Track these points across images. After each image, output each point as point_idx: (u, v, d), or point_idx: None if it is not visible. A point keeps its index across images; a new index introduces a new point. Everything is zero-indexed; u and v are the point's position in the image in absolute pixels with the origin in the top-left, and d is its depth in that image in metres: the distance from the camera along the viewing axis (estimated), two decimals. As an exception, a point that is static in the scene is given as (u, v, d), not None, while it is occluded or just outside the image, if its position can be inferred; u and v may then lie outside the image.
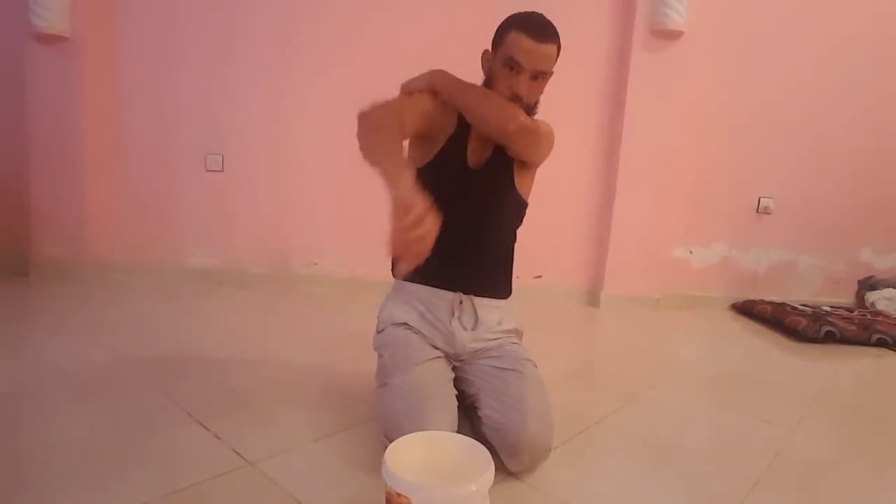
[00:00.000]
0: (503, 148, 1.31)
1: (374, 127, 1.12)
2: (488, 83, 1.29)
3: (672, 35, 2.62)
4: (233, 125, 2.72)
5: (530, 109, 1.28)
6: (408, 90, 1.34)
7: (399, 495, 0.83)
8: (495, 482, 0.89)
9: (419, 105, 1.28)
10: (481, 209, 1.32)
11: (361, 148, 1.09)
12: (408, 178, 0.97)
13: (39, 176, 2.60)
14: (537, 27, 1.21)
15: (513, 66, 1.21)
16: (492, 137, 1.29)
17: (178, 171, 2.74)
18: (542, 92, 1.29)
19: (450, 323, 1.32)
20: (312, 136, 2.73)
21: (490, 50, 1.29)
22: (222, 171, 2.74)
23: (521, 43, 1.19)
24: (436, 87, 1.30)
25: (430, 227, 0.91)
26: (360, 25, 2.66)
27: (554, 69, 1.26)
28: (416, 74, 1.38)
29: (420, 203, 0.91)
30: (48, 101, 2.55)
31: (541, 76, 1.24)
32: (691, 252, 2.99)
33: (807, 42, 2.86)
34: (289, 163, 2.75)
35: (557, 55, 1.25)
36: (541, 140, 1.31)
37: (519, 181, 1.37)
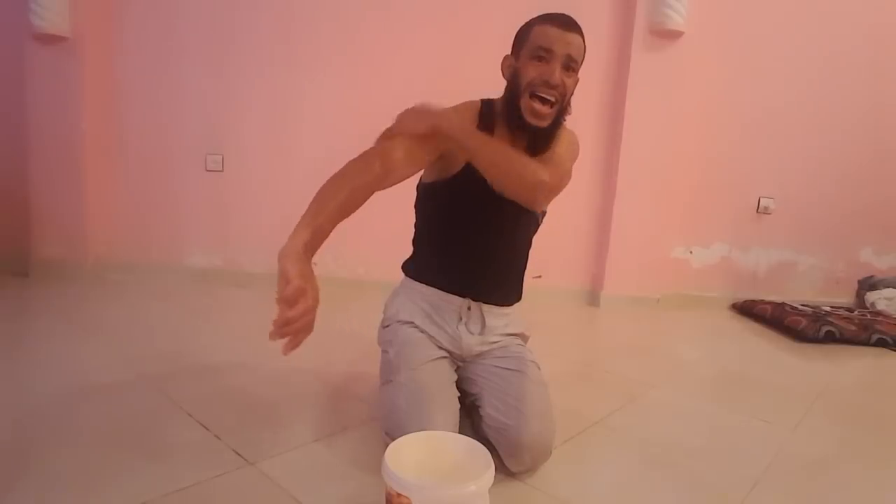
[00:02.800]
0: None
1: (338, 175, 1.11)
2: (512, 84, 1.22)
3: (672, 35, 2.62)
4: (233, 125, 2.72)
5: (563, 108, 1.21)
6: (400, 132, 1.19)
7: (399, 495, 0.83)
8: (495, 482, 0.89)
9: (433, 132, 1.18)
10: (500, 231, 1.30)
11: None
12: (299, 251, 0.98)
13: (39, 176, 2.60)
14: (564, 18, 1.18)
15: (542, 55, 1.16)
16: (509, 194, 1.20)
17: (178, 171, 2.74)
18: (573, 90, 1.21)
19: (456, 327, 1.32)
20: (312, 136, 2.73)
21: (511, 54, 1.24)
22: (222, 171, 2.74)
23: (549, 32, 1.16)
24: (444, 132, 1.17)
25: (306, 305, 0.88)
26: (360, 25, 2.66)
27: (579, 75, 1.21)
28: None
29: (297, 281, 0.89)
30: (48, 101, 2.55)
31: (572, 67, 1.18)
32: (691, 252, 2.99)
33: (807, 42, 2.87)
34: (289, 163, 2.74)
35: (584, 52, 1.20)
36: (560, 187, 1.24)
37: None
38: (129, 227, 2.77)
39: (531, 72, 1.17)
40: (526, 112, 1.18)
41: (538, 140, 1.22)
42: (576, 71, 1.20)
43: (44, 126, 2.56)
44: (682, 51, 2.66)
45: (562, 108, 1.21)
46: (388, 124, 1.46)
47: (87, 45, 2.54)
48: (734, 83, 2.85)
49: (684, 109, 2.74)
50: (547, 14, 1.20)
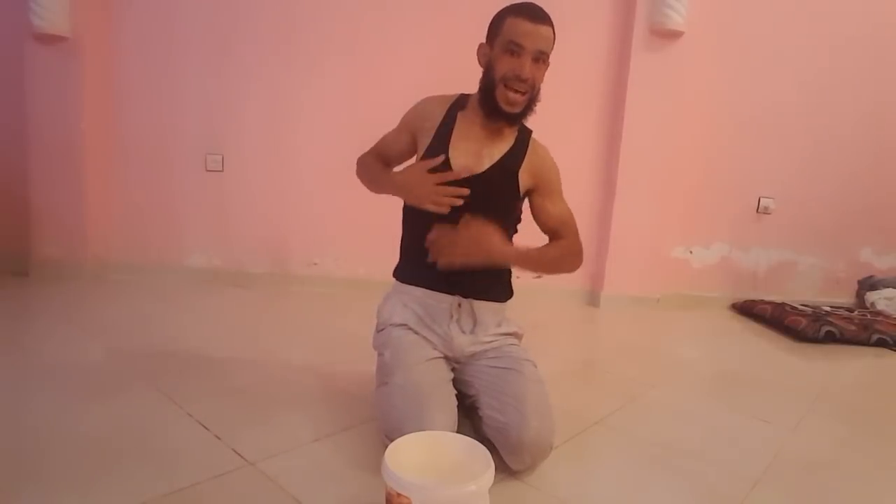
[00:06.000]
0: (507, 159, 1.31)
1: (362, 171, 1.42)
2: (487, 75, 1.27)
3: (672, 35, 2.62)
4: (233, 125, 2.72)
5: (534, 97, 1.27)
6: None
7: (399, 495, 0.83)
8: (495, 482, 0.89)
9: (400, 135, 1.41)
10: (473, 214, 1.27)
11: (366, 185, 1.41)
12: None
13: (39, 176, 2.60)
14: (533, 10, 1.23)
15: (513, 49, 1.21)
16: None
17: (177, 171, 2.74)
18: (542, 79, 1.27)
19: (448, 327, 1.32)
20: (312, 136, 2.73)
21: (486, 43, 1.29)
22: (222, 171, 2.74)
23: (520, 26, 1.21)
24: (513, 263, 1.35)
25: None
26: (360, 25, 2.66)
27: (550, 60, 1.26)
28: (411, 84, 1.40)
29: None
30: (48, 101, 2.54)
31: (541, 59, 1.23)
32: (691, 252, 2.99)
33: (807, 42, 2.87)
34: (289, 163, 2.75)
35: (554, 40, 1.25)
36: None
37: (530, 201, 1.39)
38: (129, 227, 2.77)
39: (503, 66, 1.23)
40: (501, 100, 1.25)
41: (511, 121, 1.31)
42: (545, 61, 1.25)
43: (44, 126, 2.56)
44: (682, 51, 2.66)
45: (532, 96, 1.27)
46: (388, 124, 1.48)
47: (87, 45, 2.54)
48: (734, 83, 2.85)
49: (684, 109, 2.74)
50: (518, 5, 1.24)
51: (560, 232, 1.37)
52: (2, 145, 2.67)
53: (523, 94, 1.24)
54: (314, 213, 2.78)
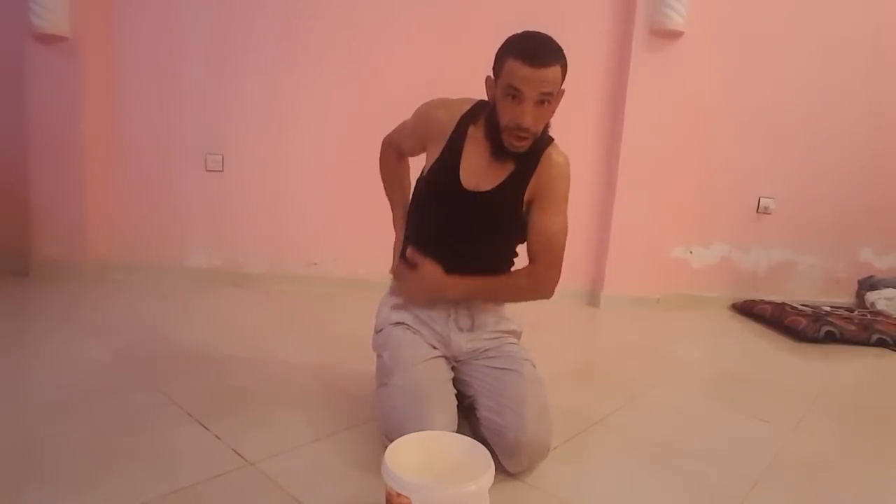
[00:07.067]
0: (513, 178, 1.27)
1: (381, 165, 1.51)
2: (492, 114, 1.22)
3: (672, 35, 2.62)
4: (233, 125, 2.71)
5: (540, 136, 1.23)
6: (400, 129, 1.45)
7: (399, 495, 0.83)
8: (495, 482, 0.89)
9: (411, 136, 1.39)
10: (477, 225, 1.28)
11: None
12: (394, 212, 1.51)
13: (39, 176, 2.60)
14: (535, 52, 1.13)
15: (514, 94, 1.14)
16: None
17: (177, 171, 2.74)
18: (551, 115, 1.22)
19: (445, 325, 1.32)
20: (312, 136, 2.73)
21: (492, 76, 1.21)
22: (222, 171, 2.74)
23: (519, 71, 1.12)
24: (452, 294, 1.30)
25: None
26: (360, 25, 2.66)
27: (563, 87, 1.20)
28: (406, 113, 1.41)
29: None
30: (48, 101, 2.54)
31: (547, 99, 1.16)
32: (691, 252, 2.99)
33: (807, 42, 2.86)
34: (289, 163, 2.74)
35: (563, 74, 1.17)
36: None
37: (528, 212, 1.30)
38: (129, 227, 2.76)
39: (505, 113, 1.17)
40: (506, 143, 1.21)
41: (516, 157, 1.25)
42: (550, 101, 1.18)
43: (44, 126, 2.56)
44: (682, 51, 2.66)
45: (538, 137, 1.22)
46: (387, 123, 1.49)
47: (87, 45, 2.54)
48: (734, 83, 2.85)
49: (684, 109, 2.74)
50: (520, 45, 1.15)
51: (537, 255, 1.29)
52: (2, 145, 2.67)
53: (527, 138, 1.19)
54: (314, 213, 2.78)
